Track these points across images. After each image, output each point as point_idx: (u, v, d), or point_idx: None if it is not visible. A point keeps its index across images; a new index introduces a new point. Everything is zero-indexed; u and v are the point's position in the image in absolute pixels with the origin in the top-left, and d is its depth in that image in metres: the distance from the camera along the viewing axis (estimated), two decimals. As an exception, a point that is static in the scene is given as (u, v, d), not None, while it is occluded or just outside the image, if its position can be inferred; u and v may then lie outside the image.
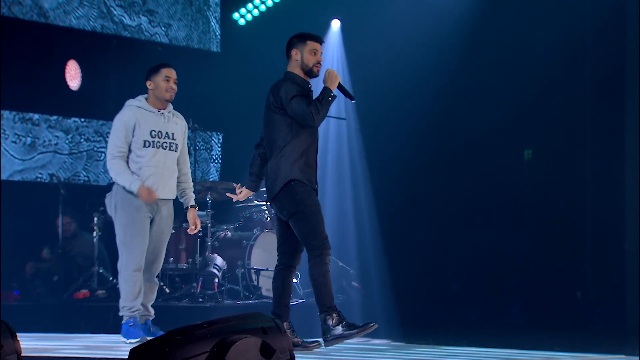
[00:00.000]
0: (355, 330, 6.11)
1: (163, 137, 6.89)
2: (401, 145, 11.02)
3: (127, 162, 6.84)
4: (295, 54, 6.36)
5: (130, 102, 6.99)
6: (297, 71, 6.35)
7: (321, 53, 6.43)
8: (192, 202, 7.14)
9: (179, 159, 7.05)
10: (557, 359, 6.81)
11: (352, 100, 6.61)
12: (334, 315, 6.16)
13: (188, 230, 7.23)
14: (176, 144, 6.98)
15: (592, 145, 9.98)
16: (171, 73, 6.96)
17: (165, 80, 6.90)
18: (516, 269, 10.49)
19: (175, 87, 6.95)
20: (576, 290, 9.99)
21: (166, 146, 6.91)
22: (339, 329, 6.15)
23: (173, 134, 6.97)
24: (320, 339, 6.24)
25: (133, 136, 6.83)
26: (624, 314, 9.35)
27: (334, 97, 6.28)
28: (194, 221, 7.11)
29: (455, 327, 9.58)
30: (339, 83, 6.36)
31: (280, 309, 6.28)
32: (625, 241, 9.51)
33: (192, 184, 7.23)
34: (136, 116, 6.84)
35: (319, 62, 6.38)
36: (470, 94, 10.84)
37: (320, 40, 6.48)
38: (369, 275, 10.40)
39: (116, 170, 6.82)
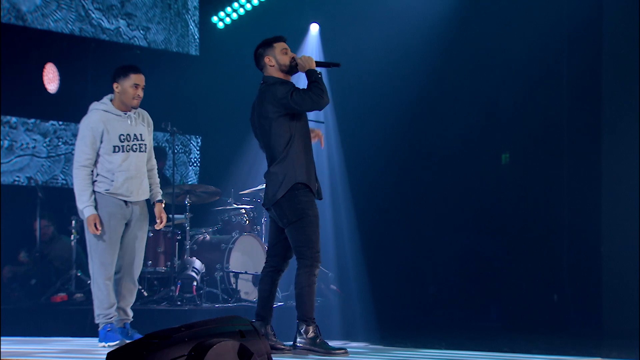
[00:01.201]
0: (325, 352, 6.11)
1: (132, 139, 6.85)
2: (379, 149, 11.06)
3: (96, 168, 6.80)
4: (269, 60, 6.32)
5: (96, 106, 6.90)
6: (277, 75, 6.33)
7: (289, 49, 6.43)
8: (159, 197, 7.08)
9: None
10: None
11: (338, 66, 6.56)
12: (312, 327, 6.19)
13: (155, 226, 7.14)
14: (145, 144, 6.94)
15: (569, 149, 10.04)
16: (140, 80, 6.88)
17: (133, 87, 6.83)
18: (493, 272, 10.53)
19: (142, 94, 6.89)
20: (553, 293, 10.04)
21: (136, 148, 6.87)
22: (312, 343, 6.18)
23: (141, 134, 6.92)
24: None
25: (101, 142, 6.78)
26: (601, 316, 9.40)
27: (321, 73, 6.31)
28: (159, 215, 7.06)
29: (433, 330, 9.61)
30: (315, 62, 6.37)
31: (265, 311, 6.28)
32: (601, 244, 9.56)
33: (159, 179, 7.17)
34: (103, 122, 6.78)
35: (293, 58, 6.36)
36: (448, 98, 10.89)
37: (283, 38, 6.47)
38: (348, 278, 10.43)
39: (79, 184, 6.78)
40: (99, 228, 6.72)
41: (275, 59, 6.32)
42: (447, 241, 10.96)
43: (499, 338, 8.88)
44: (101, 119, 6.78)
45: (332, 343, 8.29)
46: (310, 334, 6.18)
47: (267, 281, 6.34)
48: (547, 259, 10.10)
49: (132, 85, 6.82)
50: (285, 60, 6.33)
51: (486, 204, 10.68)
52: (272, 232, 6.36)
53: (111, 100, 6.89)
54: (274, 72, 6.33)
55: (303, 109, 6.21)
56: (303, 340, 6.17)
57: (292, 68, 6.36)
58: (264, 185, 9.68)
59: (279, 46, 6.35)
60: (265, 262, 6.41)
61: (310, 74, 6.26)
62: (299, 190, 6.16)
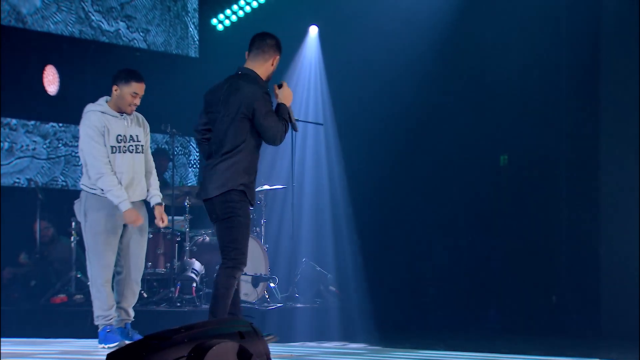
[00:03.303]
0: None
1: (128, 140, 6.87)
2: (379, 151, 11.07)
3: None
4: (269, 60, 6.18)
5: (92, 108, 6.90)
6: (262, 74, 6.16)
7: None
8: (158, 200, 7.07)
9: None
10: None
11: (296, 130, 6.37)
12: None
13: (155, 222, 7.12)
14: (141, 145, 6.96)
15: (567, 150, 10.05)
16: (140, 89, 6.87)
17: (131, 95, 6.83)
18: (492, 274, 10.55)
19: (139, 102, 6.90)
20: (552, 294, 10.06)
21: (132, 149, 6.89)
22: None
23: (137, 135, 6.94)
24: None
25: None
26: (599, 318, 9.42)
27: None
28: (160, 216, 7.04)
29: (432, 331, 9.63)
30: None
31: (235, 307, 6.14)
32: (600, 245, 9.58)
33: (157, 181, 7.16)
34: (103, 122, 6.81)
35: (282, 83, 6.31)
36: (447, 100, 10.90)
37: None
38: (347, 279, 10.44)
39: (108, 185, 6.73)
40: (139, 218, 6.73)
41: (272, 64, 6.20)
42: (445, 243, 10.97)
43: (497, 339, 8.90)
44: (100, 120, 6.80)
45: (330, 344, 8.34)
46: None
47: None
48: (546, 261, 10.11)
49: (131, 92, 6.83)
50: (272, 72, 6.23)
51: (485, 205, 10.70)
52: (218, 230, 6.13)
53: (107, 102, 6.91)
54: (263, 71, 6.16)
55: (264, 131, 6.01)
56: None
57: (268, 81, 6.22)
58: (264, 187, 9.80)
59: (278, 58, 6.26)
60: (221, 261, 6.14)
61: (284, 111, 6.10)
62: (235, 194, 5.99)
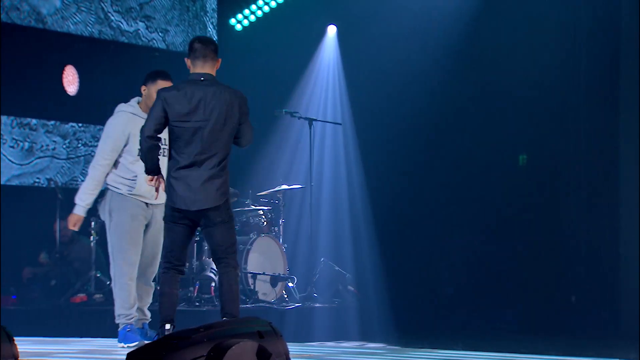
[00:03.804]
0: None
1: None
2: (397, 150, 11.06)
3: (120, 170, 6.86)
4: (217, 66, 6.25)
5: (123, 108, 6.97)
6: None
7: None
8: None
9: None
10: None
11: None
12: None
13: None
14: (167, 149, 6.99)
15: (587, 150, 10.02)
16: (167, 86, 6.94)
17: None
18: (511, 274, 10.52)
19: None
20: (571, 294, 10.03)
21: (160, 153, 6.92)
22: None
23: (165, 139, 6.97)
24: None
25: (126, 144, 6.84)
26: (618, 317, 9.39)
27: None
28: None
29: (450, 331, 9.62)
30: None
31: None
32: (619, 245, 9.55)
33: None
34: (129, 125, 6.83)
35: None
36: (465, 99, 10.89)
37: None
38: (365, 279, 10.44)
39: (88, 182, 6.93)
40: (76, 229, 6.90)
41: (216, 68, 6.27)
42: (464, 242, 10.95)
43: (516, 339, 8.88)
44: (127, 122, 6.83)
45: (349, 344, 8.35)
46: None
47: (177, 284, 6.10)
48: (565, 260, 10.09)
49: (157, 91, 6.86)
50: None
51: (504, 205, 10.67)
52: (186, 237, 6.09)
53: (138, 103, 6.95)
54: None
55: (242, 135, 6.10)
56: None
57: None
58: (282, 187, 9.81)
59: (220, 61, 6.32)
60: (170, 266, 6.05)
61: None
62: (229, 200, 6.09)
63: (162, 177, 6.17)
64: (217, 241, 6.03)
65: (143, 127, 6.03)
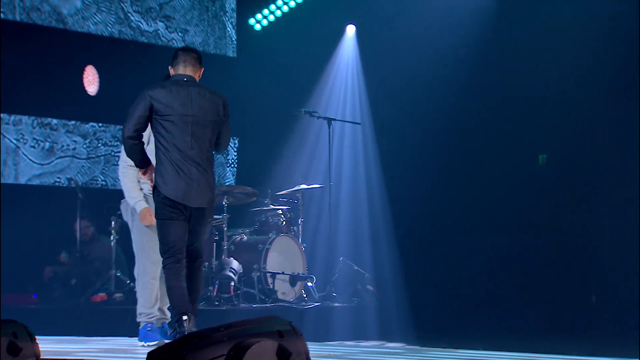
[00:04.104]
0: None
1: None
2: (416, 150, 11.05)
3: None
4: (200, 73, 6.35)
5: None
6: None
7: None
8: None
9: None
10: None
11: None
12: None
13: None
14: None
15: (607, 149, 9.97)
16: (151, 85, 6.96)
17: None
18: (531, 273, 10.49)
19: None
20: (591, 294, 9.99)
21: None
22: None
23: None
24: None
25: (148, 144, 6.87)
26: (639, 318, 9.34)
27: None
28: None
29: (470, 331, 9.59)
30: None
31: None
32: (640, 245, 9.51)
33: None
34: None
35: None
36: (485, 98, 10.86)
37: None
38: (384, 278, 10.43)
39: (126, 184, 7.00)
40: (152, 218, 6.83)
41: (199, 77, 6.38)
42: (484, 242, 10.92)
43: (536, 339, 8.85)
44: None
45: (368, 343, 8.34)
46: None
47: (182, 276, 6.18)
48: (585, 260, 10.05)
49: (142, 90, 6.87)
50: None
51: (524, 204, 10.64)
52: (185, 232, 6.16)
53: None
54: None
55: (222, 137, 6.27)
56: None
57: None
58: (301, 186, 9.82)
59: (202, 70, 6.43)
60: (172, 260, 6.13)
61: None
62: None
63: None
64: (201, 239, 6.21)
65: (123, 127, 6.09)
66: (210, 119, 6.14)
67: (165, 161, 6.05)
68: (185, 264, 6.14)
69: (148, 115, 6.04)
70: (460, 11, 10.73)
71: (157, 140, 6.09)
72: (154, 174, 6.16)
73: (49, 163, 10.87)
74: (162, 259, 6.19)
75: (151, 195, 6.86)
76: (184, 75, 6.20)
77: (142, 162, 6.16)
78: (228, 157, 12.59)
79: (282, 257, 9.44)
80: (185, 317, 5.94)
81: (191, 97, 6.10)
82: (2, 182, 10.48)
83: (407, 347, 7.92)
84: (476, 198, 10.94)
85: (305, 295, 9.40)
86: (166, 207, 6.05)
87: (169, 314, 7.08)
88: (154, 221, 6.80)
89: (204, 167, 6.11)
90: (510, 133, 10.65)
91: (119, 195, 7.23)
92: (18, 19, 10.53)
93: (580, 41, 10.10)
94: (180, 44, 11.97)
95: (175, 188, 6.02)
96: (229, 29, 12.54)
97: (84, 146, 11.16)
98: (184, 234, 6.13)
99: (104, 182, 11.30)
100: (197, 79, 6.26)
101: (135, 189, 6.98)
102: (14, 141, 10.60)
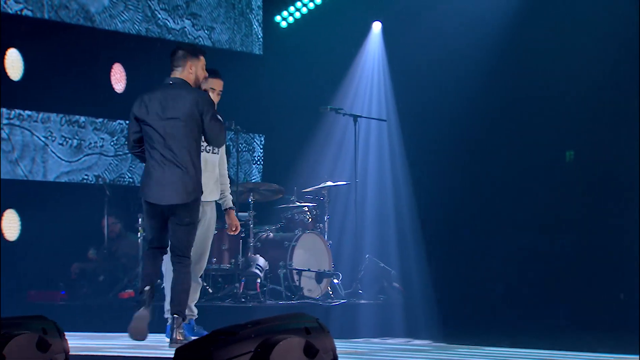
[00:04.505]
0: None
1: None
2: (442, 147, 11.02)
3: None
4: (190, 67, 6.45)
5: None
6: (191, 83, 6.47)
7: (220, 91, 6.95)
8: (230, 204, 7.21)
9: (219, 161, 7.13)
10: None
11: None
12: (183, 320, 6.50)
13: (227, 231, 7.32)
14: (218, 148, 7.05)
15: (635, 146, 9.90)
16: (218, 85, 6.97)
17: (209, 91, 6.92)
18: (559, 270, 10.44)
19: (218, 98, 6.99)
20: (620, 291, 9.93)
21: (209, 150, 6.98)
22: (186, 334, 6.56)
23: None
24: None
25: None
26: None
27: None
28: (233, 223, 7.20)
29: (497, 328, 9.56)
30: None
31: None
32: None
33: (229, 185, 7.31)
34: None
35: (206, 78, 6.63)
36: (512, 95, 10.81)
37: (217, 74, 6.93)
38: (410, 276, 10.41)
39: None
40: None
41: (195, 70, 6.48)
42: (510, 239, 10.88)
43: (564, 336, 8.81)
44: None
45: (394, 340, 8.34)
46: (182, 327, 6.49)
47: (158, 262, 6.58)
48: (614, 257, 9.99)
49: (209, 88, 6.90)
50: (202, 76, 6.53)
51: (552, 201, 10.59)
52: (159, 228, 6.43)
53: None
54: (189, 79, 6.46)
55: (210, 132, 6.34)
56: (177, 335, 6.49)
57: (199, 88, 6.59)
58: (327, 184, 9.83)
59: (203, 61, 6.54)
60: (150, 247, 6.51)
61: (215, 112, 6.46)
62: (199, 200, 6.45)
63: None
64: (177, 237, 6.39)
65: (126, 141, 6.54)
66: (185, 118, 6.28)
67: (148, 163, 6.39)
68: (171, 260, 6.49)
69: (139, 129, 6.39)
70: (487, 8, 10.69)
71: (145, 144, 6.39)
72: None
73: (76, 160, 10.93)
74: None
75: None
76: (170, 79, 6.45)
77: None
78: (254, 155, 12.62)
79: (308, 254, 9.45)
80: (146, 288, 6.36)
81: (167, 99, 6.33)
82: (31, 179, 10.57)
83: (433, 344, 7.91)
84: (502, 195, 10.90)
85: (331, 292, 9.41)
86: (145, 204, 6.41)
87: (196, 311, 7.10)
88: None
89: (183, 165, 6.28)
90: (537, 130, 10.60)
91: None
92: (46, 17, 10.61)
93: (610, 36, 10.03)
94: (207, 42, 12.00)
95: (150, 188, 6.34)
96: (255, 26, 12.56)
97: (112, 143, 11.22)
98: (159, 229, 6.41)
99: (131, 179, 11.36)
100: (192, 72, 6.43)
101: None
102: (43, 139, 10.67)
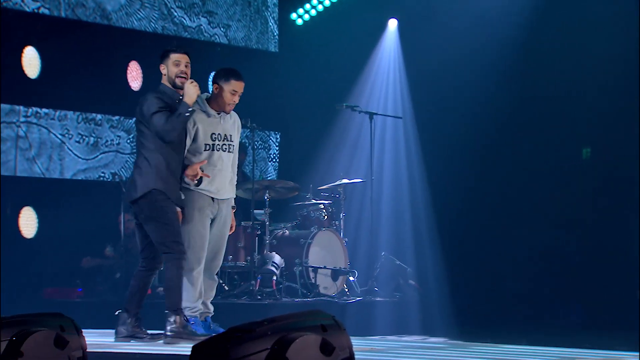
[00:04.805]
0: (193, 339, 6.47)
1: (222, 139, 6.96)
2: (458, 144, 11.00)
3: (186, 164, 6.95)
4: (163, 68, 6.75)
5: None
6: (167, 83, 6.74)
7: (187, 62, 6.79)
8: (232, 203, 7.20)
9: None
10: (616, 359, 6.76)
11: None
12: (179, 317, 6.62)
13: None
14: (233, 146, 7.06)
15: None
16: (239, 87, 6.95)
17: (231, 93, 6.91)
18: (575, 268, 10.41)
19: (237, 100, 7.00)
20: (636, 289, 9.89)
21: (225, 148, 6.99)
22: (180, 330, 6.62)
23: (231, 135, 7.04)
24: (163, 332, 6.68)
25: (193, 139, 6.91)
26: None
27: (191, 113, 6.64)
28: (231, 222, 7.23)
29: (513, 326, 9.55)
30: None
31: (130, 305, 6.83)
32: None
33: (242, 180, 7.34)
34: (197, 119, 6.91)
35: (182, 73, 6.73)
36: (529, 93, 10.79)
37: (181, 49, 6.85)
38: (426, 273, 10.41)
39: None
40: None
41: (167, 69, 6.74)
42: (527, 236, 10.86)
43: (580, 334, 8.79)
44: (195, 116, 6.90)
45: (410, 338, 8.34)
46: (179, 323, 6.61)
47: (137, 279, 6.90)
48: (629, 255, 9.95)
49: (231, 90, 6.91)
50: (173, 72, 6.72)
51: (567, 199, 10.56)
52: (139, 237, 6.82)
53: (207, 99, 7.01)
54: (165, 80, 6.76)
55: (154, 132, 6.60)
56: (174, 328, 6.60)
57: (176, 84, 6.73)
58: (343, 181, 9.84)
59: (173, 57, 6.74)
60: (140, 264, 6.89)
61: (182, 106, 6.61)
62: (155, 191, 6.61)
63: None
64: (152, 238, 6.68)
65: None
66: (136, 121, 6.80)
67: None
68: None
69: None
70: (503, 5, 10.66)
71: None
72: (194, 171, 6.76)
73: (93, 158, 10.97)
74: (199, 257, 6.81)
75: (194, 190, 6.92)
76: None
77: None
78: (270, 152, 12.63)
79: (324, 252, 9.46)
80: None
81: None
82: (48, 177, 10.62)
83: (449, 341, 7.90)
84: (518, 193, 10.88)
85: (347, 290, 9.42)
86: None
87: (212, 308, 7.12)
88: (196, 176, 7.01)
89: (137, 165, 6.75)
90: (553, 127, 10.58)
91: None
92: (63, 15, 10.65)
93: (627, 33, 9.99)
94: (223, 40, 12.02)
95: None
96: (270, 24, 12.57)
97: (128, 141, 11.25)
98: (140, 238, 6.85)
99: (147, 177, 11.38)
100: (165, 73, 6.75)
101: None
102: (60, 136, 10.72)
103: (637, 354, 6.45)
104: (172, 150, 6.67)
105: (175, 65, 6.74)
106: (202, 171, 6.87)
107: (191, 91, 6.63)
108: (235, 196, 7.22)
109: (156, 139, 6.60)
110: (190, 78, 6.76)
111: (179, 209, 6.81)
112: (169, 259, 6.63)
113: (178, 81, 6.72)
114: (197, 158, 6.91)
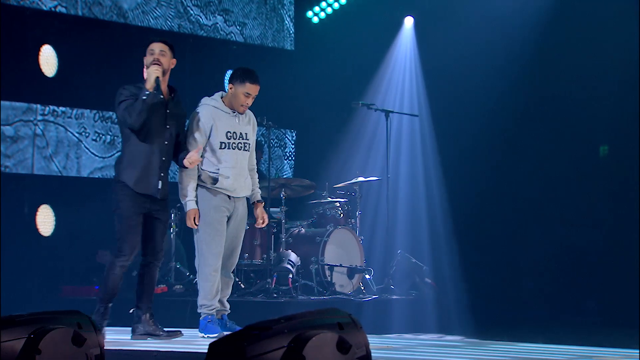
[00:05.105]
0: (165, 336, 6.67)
1: (237, 137, 6.99)
2: (475, 142, 10.98)
3: (202, 162, 6.94)
4: (144, 60, 6.84)
5: (206, 101, 7.09)
6: (144, 74, 6.82)
7: (160, 51, 6.85)
8: (259, 197, 7.23)
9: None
10: (634, 356, 6.74)
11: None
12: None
13: (255, 225, 7.30)
14: (249, 144, 7.08)
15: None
16: (254, 91, 6.98)
17: (244, 95, 6.95)
18: (591, 266, 10.38)
19: (251, 103, 7.02)
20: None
21: (241, 146, 7.01)
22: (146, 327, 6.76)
23: (246, 134, 7.06)
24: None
25: (209, 137, 6.93)
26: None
27: (149, 95, 6.62)
28: (262, 216, 7.21)
29: (530, 324, 9.53)
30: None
31: (140, 301, 6.92)
32: None
33: (258, 179, 7.32)
34: (213, 117, 6.93)
35: (155, 60, 6.81)
36: (546, 90, 10.76)
37: (156, 39, 6.99)
38: (443, 271, 10.40)
39: (183, 178, 7.01)
40: (197, 223, 6.89)
41: (145, 65, 6.85)
42: (543, 234, 10.83)
43: (596, 332, 8.76)
44: (211, 115, 6.93)
45: (427, 336, 8.34)
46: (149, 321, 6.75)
47: (139, 274, 7.08)
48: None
49: (244, 92, 6.94)
50: (147, 60, 6.85)
51: (584, 197, 10.53)
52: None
53: (222, 97, 7.04)
54: (145, 72, 6.83)
55: (119, 120, 6.79)
56: (144, 327, 6.76)
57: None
58: (359, 179, 9.84)
59: (150, 47, 6.88)
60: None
61: (142, 91, 6.69)
62: (121, 184, 6.73)
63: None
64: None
65: None
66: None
67: None
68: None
69: None
70: (518, 3, 10.63)
71: None
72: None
73: (110, 156, 11.01)
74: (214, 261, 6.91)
75: (210, 188, 6.93)
76: None
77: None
78: (286, 150, 12.64)
79: (340, 250, 9.46)
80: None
81: None
82: (65, 175, 10.65)
83: (466, 340, 7.89)
84: (535, 191, 10.85)
85: (363, 288, 9.42)
86: None
87: (228, 306, 7.14)
88: (195, 225, 6.91)
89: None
90: (570, 125, 10.54)
91: (178, 188, 7.29)
92: (80, 13, 10.68)
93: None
94: (239, 38, 12.03)
95: None
96: (286, 22, 12.57)
97: (144, 139, 11.27)
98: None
99: (163, 175, 11.40)
100: (147, 65, 6.86)
101: (190, 185, 7.00)
102: (76, 135, 10.76)
103: (638, 352, 6.44)
104: (147, 141, 6.67)
105: (149, 54, 6.85)
106: (218, 169, 6.90)
107: (151, 76, 6.69)
108: (260, 192, 7.27)
109: (128, 130, 6.68)
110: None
111: (193, 211, 6.89)
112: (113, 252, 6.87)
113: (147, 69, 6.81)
114: (212, 156, 6.93)
